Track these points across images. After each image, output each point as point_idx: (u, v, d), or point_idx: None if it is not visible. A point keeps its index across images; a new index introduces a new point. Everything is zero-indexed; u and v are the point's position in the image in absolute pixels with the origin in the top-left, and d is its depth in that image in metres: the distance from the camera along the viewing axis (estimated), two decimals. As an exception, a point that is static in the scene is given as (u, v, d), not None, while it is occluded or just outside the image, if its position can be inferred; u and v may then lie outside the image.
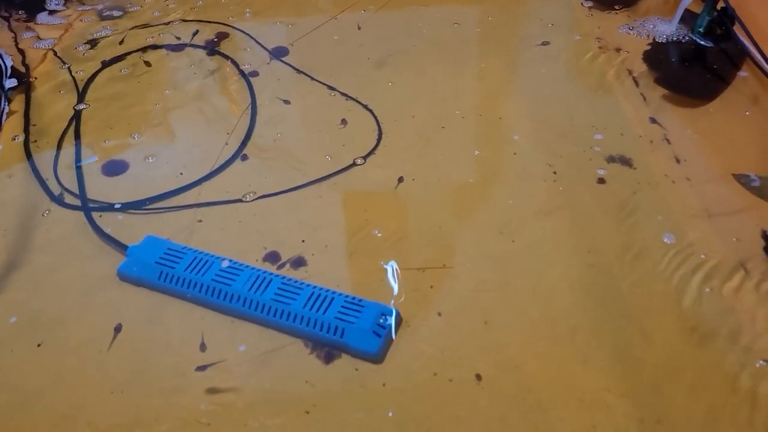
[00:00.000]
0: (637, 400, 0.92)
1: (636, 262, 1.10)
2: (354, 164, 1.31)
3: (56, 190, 1.28)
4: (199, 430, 0.93)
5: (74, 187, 1.28)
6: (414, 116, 1.44)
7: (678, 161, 1.28)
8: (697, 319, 1.01)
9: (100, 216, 1.23)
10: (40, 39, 1.72)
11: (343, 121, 1.43)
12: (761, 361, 0.95)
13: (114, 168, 1.33)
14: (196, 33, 1.70)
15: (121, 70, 1.60)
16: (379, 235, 1.18)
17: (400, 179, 1.28)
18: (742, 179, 1.18)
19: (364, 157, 1.33)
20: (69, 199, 1.27)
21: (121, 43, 1.69)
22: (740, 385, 0.93)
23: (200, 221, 1.22)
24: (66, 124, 1.43)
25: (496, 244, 1.16)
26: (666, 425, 0.89)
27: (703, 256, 1.09)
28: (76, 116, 1.45)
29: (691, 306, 1.03)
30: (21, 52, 1.65)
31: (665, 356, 0.97)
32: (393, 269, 1.04)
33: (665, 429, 0.89)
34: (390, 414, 0.94)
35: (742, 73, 1.46)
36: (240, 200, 1.25)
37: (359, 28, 1.69)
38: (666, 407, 0.91)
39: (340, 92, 1.50)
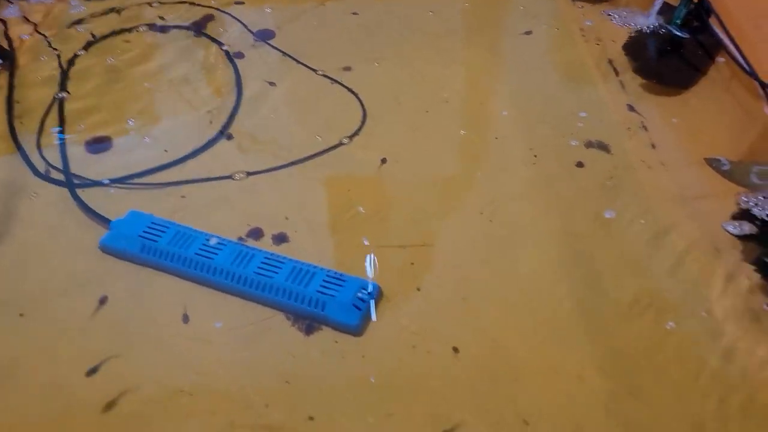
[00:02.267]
0: (611, 374, 0.95)
1: (612, 243, 1.13)
2: (341, 143, 1.33)
3: (40, 166, 1.28)
4: (181, 399, 0.94)
5: (58, 163, 1.29)
6: (398, 100, 1.45)
7: (654, 147, 1.31)
8: (670, 298, 1.04)
9: (84, 192, 1.23)
10: (25, 17, 1.71)
11: (328, 104, 1.44)
12: (728, 340, 0.99)
13: (98, 146, 1.34)
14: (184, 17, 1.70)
15: (106, 52, 1.59)
16: (362, 212, 1.20)
17: (384, 160, 1.30)
18: (714, 163, 1.22)
19: (350, 137, 1.35)
20: (54, 174, 1.27)
21: (108, 19, 1.68)
22: (710, 363, 0.96)
23: (184, 197, 1.23)
24: (50, 101, 1.43)
25: (476, 224, 1.18)
26: (638, 397, 0.92)
27: (676, 238, 1.12)
28: (61, 94, 1.45)
29: (665, 286, 1.06)
30: (4, 24, 1.64)
31: (639, 332, 1.00)
32: (371, 259, 1.05)
33: (636, 400, 0.92)
34: (368, 383, 0.96)
35: (718, 61, 1.50)
36: (229, 177, 1.26)
37: (355, 14, 1.70)
38: (638, 380, 0.94)
39: (325, 75, 1.52)
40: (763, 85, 1.28)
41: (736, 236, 1.12)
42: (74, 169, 1.28)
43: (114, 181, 1.25)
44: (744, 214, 1.13)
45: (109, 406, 0.93)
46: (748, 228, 1.12)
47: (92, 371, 0.97)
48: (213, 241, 1.11)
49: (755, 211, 1.11)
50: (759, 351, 0.97)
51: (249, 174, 1.27)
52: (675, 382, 0.94)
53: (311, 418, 0.92)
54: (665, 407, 0.91)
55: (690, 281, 1.07)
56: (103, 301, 1.06)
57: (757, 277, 1.06)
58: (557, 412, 0.91)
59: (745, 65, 1.35)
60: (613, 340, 0.99)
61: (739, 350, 0.97)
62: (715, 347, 0.98)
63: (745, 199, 1.13)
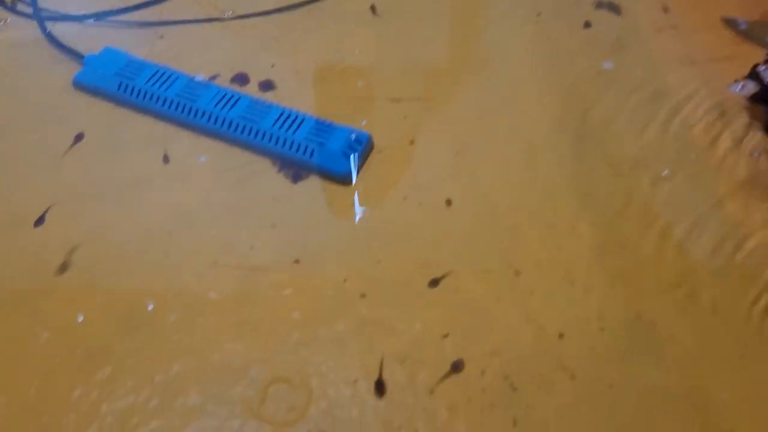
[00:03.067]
0: (604, 227, 0.93)
1: (612, 99, 1.08)
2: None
3: (6, -3, 1.18)
4: (161, 239, 0.91)
5: (25, -4, 1.18)
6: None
7: (666, 11, 1.24)
8: (666, 154, 1.01)
9: (55, 26, 1.14)
10: None
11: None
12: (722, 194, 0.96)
13: (69, -21, 1.23)
14: None
15: None
16: (354, 64, 1.13)
17: (373, 8, 1.22)
18: (730, 23, 1.15)
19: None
20: (21, 7, 1.17)
21: None
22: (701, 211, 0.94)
23: (162, 38, 1.14)
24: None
25: (473, 80, 1.12)
26: (629, 248, 0.90)
27: (682, 99, 1.08)
28: None
29: (664, 143, 1.02)
30: None
31: (630, 188, 0.97)
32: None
33: (629, 249, 0.90)
34: (356, 231, 0.93)
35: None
36: (216, 20, 1.17)
37: None
38: (631, 234, 0.92)
39: None
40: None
41: (745, 97, 1.07)
42: (43, 3, 1.18)
43: (86, 16, 1.16)
44: (754, 76, 1.08)
45: (88, 236, 0.89)
46: (753, 87, 1.07)
47: (42, 219, 0.92)
48: (198, 78, 1.04)
49: (766, 74, 1.06)
50: (752, 210, 0.95)
51: (240, 17, 1.18)
52: (657, 231, 0.92)
53: (297, 261, 0.90)
54: (651, 258, 0.90)
55: (689, 139, 1.02)
56: (79, 137, 1.00)
57: (759, 137, 1.02)
58: (548, 263, 0.89)
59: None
60: (608, 195, 0.96)
61: (731, 204, 0.95)
62: (708, 198, 0.95)
63: (763, 68, 1.07)
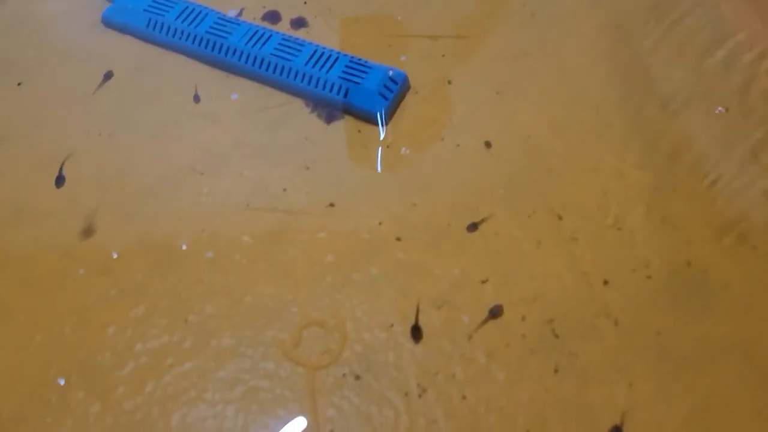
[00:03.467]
0: (653, 170, 0.88)
1: (665, 38, 1.01)
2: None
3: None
4: (193, 178, 0.89)
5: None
6: None
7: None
8: (721, 92, 0.94)
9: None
10: None
11: None
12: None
13: None
14: None
15: None
16: (388, 1, 1.08)
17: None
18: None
19: None
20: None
21: None
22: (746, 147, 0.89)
23: (192, -27, 1.10)
24: None
25: (516, 16, 1.06)
26: (680, 192, 0.86)
27: (740, 36, 1.00)
28: None
29: (719, 80, 0.96)
30: None
31: (681, 127, 0.91)
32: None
33: (680, 194, 0.86)
34: (391, 173, 0.90)
35: None
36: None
37: None
38: (682, 177, 0.87)
39: None
40: None
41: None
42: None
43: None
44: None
45: (119, 175, 0.88)
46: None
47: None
48: (229, 15, 1.01)
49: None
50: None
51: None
52: (716, 176, 0.87)
53: (331, 205, 0.87)
54: (703, 202, 0.85)
55: (746, 76, 0.96)
56: (108, 76, 0.97)
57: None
58: (593, 207, 0.85)
59: None
60: (657, 135, 0.91)
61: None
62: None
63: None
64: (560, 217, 0.85)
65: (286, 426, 0.70)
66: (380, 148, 0.92)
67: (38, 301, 0.78)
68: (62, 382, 0.73)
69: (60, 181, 0.87)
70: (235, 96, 0.96)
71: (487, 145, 0.92)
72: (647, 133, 0.91)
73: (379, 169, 0.90)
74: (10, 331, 0.75)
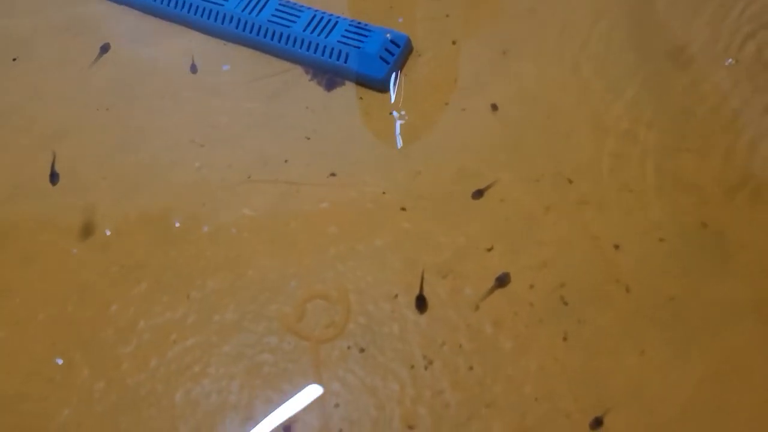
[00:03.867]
0: (664, 129, 0.84)
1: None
2: None
3: None
4: (192, 151, 0.87)
5: None
6: None
7: None
8: (735, 44, 0.90)
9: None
10: None
11: None
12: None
13: None
14: None
15: None
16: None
17: None
18: None
19: None
20: None
21: None
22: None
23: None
24: None
25: (522, -28, 1.02)
26: (693, 151, 0.82)
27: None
28: None
29: (736, 33, 0.91)
30: None
31: (694, 83, 0.87)
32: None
33: (692, 152, 0.82)
34: (395, 141, 0.87)
35: None
36: None
37: None
38: (694, 135, 0.83)
39: None
40: None
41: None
42: None
43: None
44: None
45: (117, 150, 0.87)
46: None
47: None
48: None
49: None
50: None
51: None
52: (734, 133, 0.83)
53: (333, 174, 0.85)
54: (719, 161, 0.81)
55: (756, 25, 0.91)
56: (105, 49, 0.96)
57: None
58: (603, 169, 0.82)
59: None
60: (668, 93, 0.87)
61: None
62: None
63: None
64: (570, 181, 0.82)
65: (291, 400, 0.70)
66: (383, 115, 0.89)
67: (39, 279, 0.77)
68: (60, 361, 0.72)
69: (56, 158, 0.86)
70: (232, 67, 0.93)
71: (494, 108, 0.89)
72: (658, 90, 0.87)
73: (381, 135, 0.88)
74: (11, 309, 0.75)
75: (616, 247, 0.77)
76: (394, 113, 0.89)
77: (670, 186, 0.80)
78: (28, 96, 0.91)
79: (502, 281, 0.76)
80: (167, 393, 0.70)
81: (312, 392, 0.70)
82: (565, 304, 0.74)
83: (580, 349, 0.71)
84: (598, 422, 0.67)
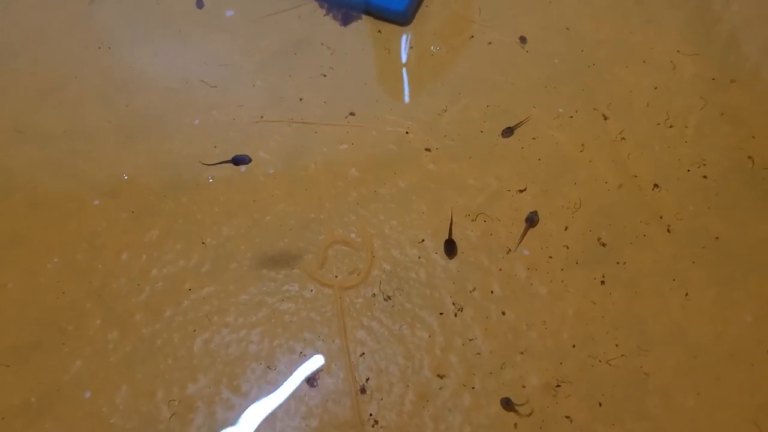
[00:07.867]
0: (710, 60, 0.78)
1: None
2: None
3: None
4: (202, 91, 0.82)
5: None
6: None
7: None
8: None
9: None
10: None
11: None
12: None
13: None
14: None
15: None
16: None
17: None
18: None
19: None
20: None
21: None
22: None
23: None
24: None
25: None
26: (740, 84, 0.76)
27: None
28: None
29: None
30: None
31: (742, 10, 0.81)
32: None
33: (739, 88, 0.76)
34: (417, 76, 0.82)
35: None
36: None
37: None
38: (742, 66, 0.78)
39: None
40: None
41: None
42: None
43: None
44: None
45: (123, 91, 0.82)
46: None
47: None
48: None
49: None
50: None
51: None
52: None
53: (352, 114, 0.80)
54: (766, 93, 0.76)
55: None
56: (104, -15, 0.90)
57: None
58: (642, 104, 0.77)
59: None
60: (713, 21, 0.81)
61: None
62: None
63: None
64: (605, 117, 0.77)
65: (313, 349, 0.66)
66: (405, 50, 0.84)
67: (48, 226, 0.73)
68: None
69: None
70: (241, 0, 0.87)
71: (522, 40, 0.83)
72: (702, 18, 0.81)
73: (402, 71, 0.82)
74: (21, 258, 0.71)
75: (656, 186, 0.72)
76: (415, 47, 0.83)
77: (716, 120, 0.75)
78: (29, 38, 0.86)
79: (535, 222, 0.71)
80: (184, 343, 0.67)
81: (336, 341, 0.66)
82: (603, 245, 0.70)
83: (619, 292, 0.67)
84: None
